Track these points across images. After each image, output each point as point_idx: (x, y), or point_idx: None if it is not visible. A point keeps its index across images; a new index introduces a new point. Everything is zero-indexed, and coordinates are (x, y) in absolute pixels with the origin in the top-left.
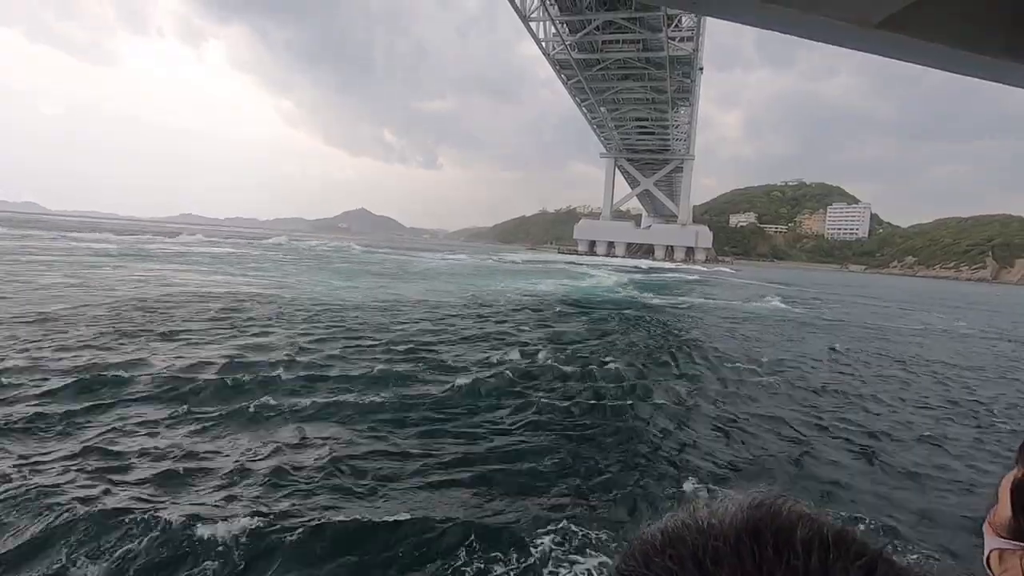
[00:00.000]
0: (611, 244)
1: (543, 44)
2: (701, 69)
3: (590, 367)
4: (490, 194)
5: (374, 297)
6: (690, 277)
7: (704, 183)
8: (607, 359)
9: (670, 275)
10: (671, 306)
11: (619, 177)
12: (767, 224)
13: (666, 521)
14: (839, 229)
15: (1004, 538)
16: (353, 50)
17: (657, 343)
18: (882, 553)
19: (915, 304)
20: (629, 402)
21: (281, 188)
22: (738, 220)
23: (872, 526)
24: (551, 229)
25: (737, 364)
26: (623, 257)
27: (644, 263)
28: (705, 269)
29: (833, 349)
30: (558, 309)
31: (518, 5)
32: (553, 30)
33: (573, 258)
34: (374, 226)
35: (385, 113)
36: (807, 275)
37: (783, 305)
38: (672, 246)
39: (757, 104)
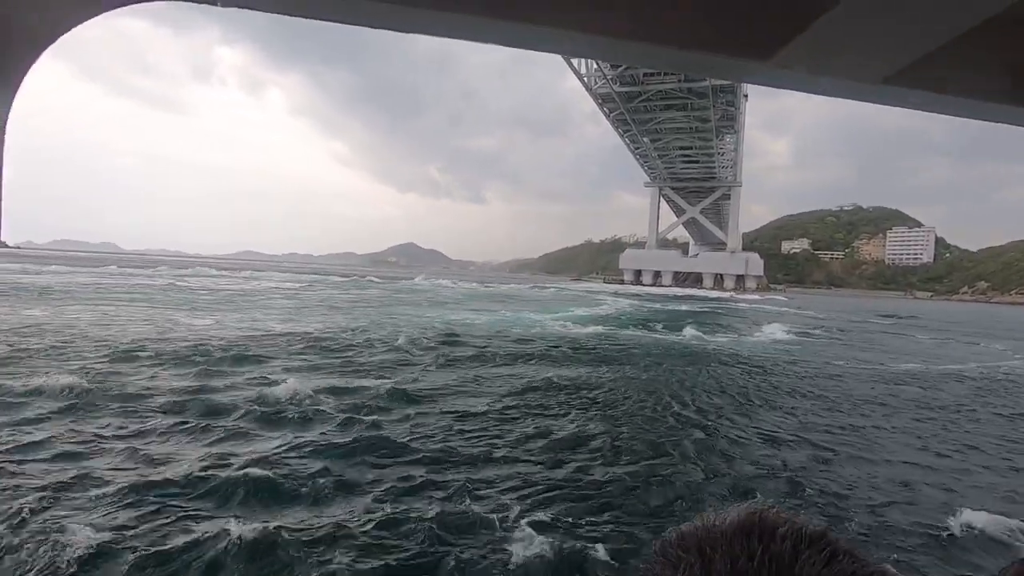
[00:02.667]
0: (657, 273)
1: (585, 79)
2: (746, 96)
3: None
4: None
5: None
6: (706, 307)
7: (753, 210)
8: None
9: (697, 306)
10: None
11: (664, 206)
12: (821, 251)
13: (683, 525)
14: (901, 254)
15: None
16: (401, 92)
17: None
18: (848, 548)
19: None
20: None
21: (333, 224)
22: (790, 247)
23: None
24: (597, 259)
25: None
26: (670, 286)
27: (694, 291)
28: (757, 297)
29: None
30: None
31: None
32: (595, 66)
33: (610, 287)
34: (422, 259)
35: (432, 151)
36: (875, 304)
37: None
38: (721, 274)
39: (808, 129)
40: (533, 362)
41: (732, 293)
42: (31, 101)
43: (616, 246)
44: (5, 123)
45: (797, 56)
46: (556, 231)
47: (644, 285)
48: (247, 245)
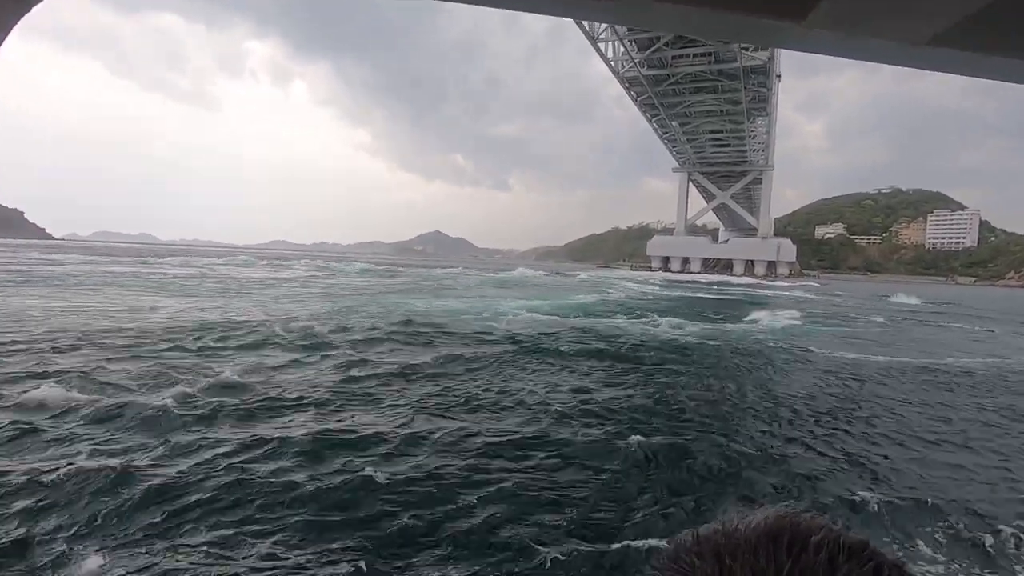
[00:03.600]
0: (686, 260)
1: (612, 64)
2: (779, 76)
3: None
4: (561, 213)
5: None
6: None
7: (786, 195)
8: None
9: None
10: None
11: (693, 191)
12: (858, 235)
13: (700, 527)
14: (942, 238)
15: None
16: (425, 81)
17: None
18: (894, 562)
19: None
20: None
21: (361, 214)
22: (825, 232)
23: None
24: (623, 246)
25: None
26: (699, 273)
27: (723, 278)
28: (786, 284)
29: None
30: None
31: (586, 28)
32: (622, 49)
33: (638, 275)
34: (448, 247)
35: (457, 139)
36: (906, 288)
37: None
38: (752, 260)
39: (844, 109)
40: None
41: (762, 280)
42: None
43: (644, 233)
44: None
45: (833, 15)
46: (581, 218)
47: (672, 272)
48: (278, 235)
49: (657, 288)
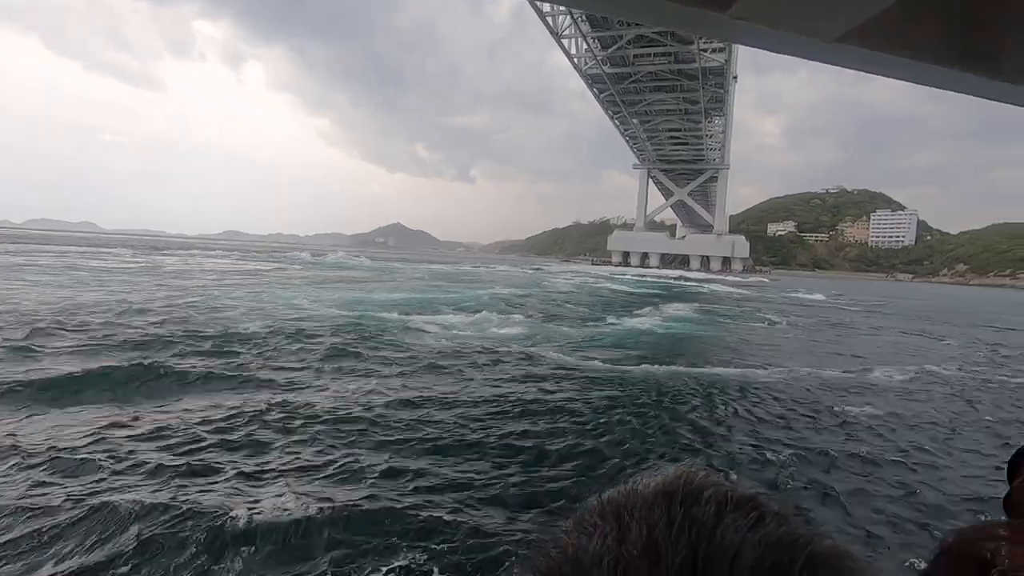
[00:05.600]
0: (645, 255)
1: (576, 60)
2: (735, 78)
3: None
4: (523, 206)
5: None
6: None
7: (742, 192)
8: None
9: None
10: None
11: (653, 188)
12: (807, 233)
13: (605, 491)
14: (884, 237)
15: None
16: (387, 69)
17: None
18: (778, 511)
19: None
20: None
21: (320, 204)
22: (776, 229)
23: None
24: (585, 241)
25: None
26: (657, 268)
27: (681, 272)
28: (738, 279)
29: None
30: None
31: (550, 24)
32: (585, 46)
33: (595, 269)
34: (410, 240)
35: (419, 129)
36: (841, 284)
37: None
38: (708, 256)
39: (797, 109)
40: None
41: (717, 275)
42: (4, 79)
43: (604, 227)
44: None
45: (752, 7)
46: (544, 212)
47: (631, 266)
48: (232, 225)
49: (589, 280)
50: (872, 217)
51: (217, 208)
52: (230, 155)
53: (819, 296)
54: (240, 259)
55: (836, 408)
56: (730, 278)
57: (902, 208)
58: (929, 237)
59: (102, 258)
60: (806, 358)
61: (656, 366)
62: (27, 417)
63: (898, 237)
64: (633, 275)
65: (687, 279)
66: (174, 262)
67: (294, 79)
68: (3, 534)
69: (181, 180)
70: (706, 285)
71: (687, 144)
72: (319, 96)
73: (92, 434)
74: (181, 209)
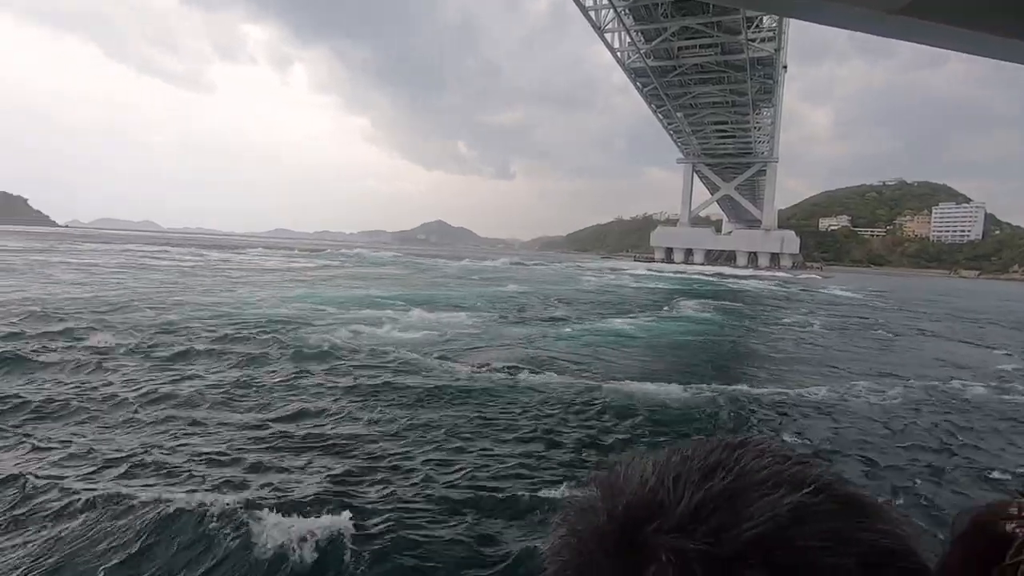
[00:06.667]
0: (689, 251)
1: (618, 54)
2: (785, 67)
3: None
4: (564, 202)
5: None
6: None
7: (790, 185)
8: None
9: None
10: None
11: (697, 182)
12: (862, 228)
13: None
14: (947, 231)
15: None
16: (426, 68)
17: None
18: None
19: None
20: None
21: (363, 202)
22: (828, 224)
23: None
24: (627, 237)
25: None
26: (702, 264)
27: (724, 270)
28: (788, 276)
29: None
30: None
31: (593, 18)
32: (628, 39)
33: (640, 266)
34: (451, 237)
35: (459, 127)
36: (890, 281)
37: None
38: (755, 253)
39: (850, 99)
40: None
41: (761, 271)
42: (66, 85)
43: (647, 223)
44: None
45: None
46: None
47: (675, 263)
48: (279, 223)
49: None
50: (934, 210)
51: (265, 207)
52: (276, 155)
53: (850, 294)
54: (294, 258)
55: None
56: (779, 274)
57: (967, 200)
58: (998, 231)
59: (194, 257)
60: (798, 365)
61: (581, 376)
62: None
63: (963, 231)
64: (672, 271)
65: (723, 275)
66: (245, 259)
67: (335, 80)
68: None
69: (230, 180)
70: (744, 281)
71: (734, 137)
72: (360, 96)
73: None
74: (231, 208)
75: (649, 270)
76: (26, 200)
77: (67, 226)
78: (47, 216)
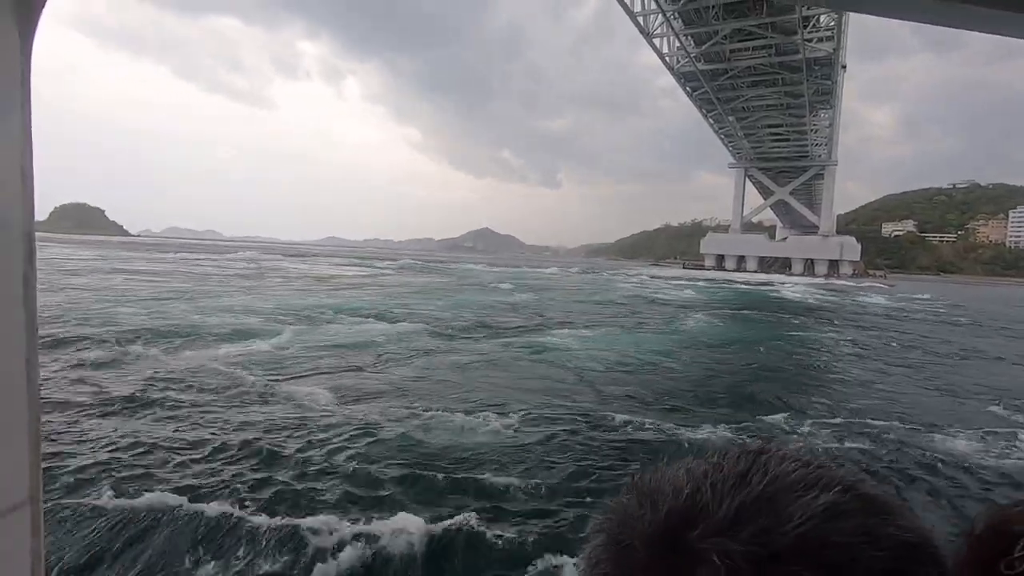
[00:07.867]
0: (741, 258)
1: (667, 59)
2: (844, 67)
3: None
4: (610, 209)
5: None
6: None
7: (849, 189)
8: None
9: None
10: None
11: (749, 187)
12: (929, 233)
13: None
14: None
15: None
16: (473, 77)
17: None
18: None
19: None
20: None
21: (411, 210)
22: (892, 230)
23: None
24: (675, 244)
25: None
26: (754, 272)
27: (777, 277)
28: (847, 284)
29: None
30: None
31: (641, 24)
32: (677, 44)
33: (688, 273)
34: (497, 244)
35: (505, 135)
36: (963, 291)
37: None
38: (812, 260)
39: (915, 97)
40: None
41: (817, 279)
42: (138, 101)
43: (696, 230)
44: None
45: None
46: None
47: (726, 271)
48: (331, 231)
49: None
50: (1011, 214)
51: (318, 215)
52: (328, 165)
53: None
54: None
55: None
56: (837, 283)
57: None
58: None
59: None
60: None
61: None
62: None
63: None
64: (723, 279)
65: (772, 283)
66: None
67: (385, 90)
68: None
69: (284, 190)
70: (792, 289)
71: (789, 140)
72: (408, 106)
73: None
74: (286, 216)
75: (693, 279)
76: (103, 212)
77: (139, 236)
78: (121, 226)
